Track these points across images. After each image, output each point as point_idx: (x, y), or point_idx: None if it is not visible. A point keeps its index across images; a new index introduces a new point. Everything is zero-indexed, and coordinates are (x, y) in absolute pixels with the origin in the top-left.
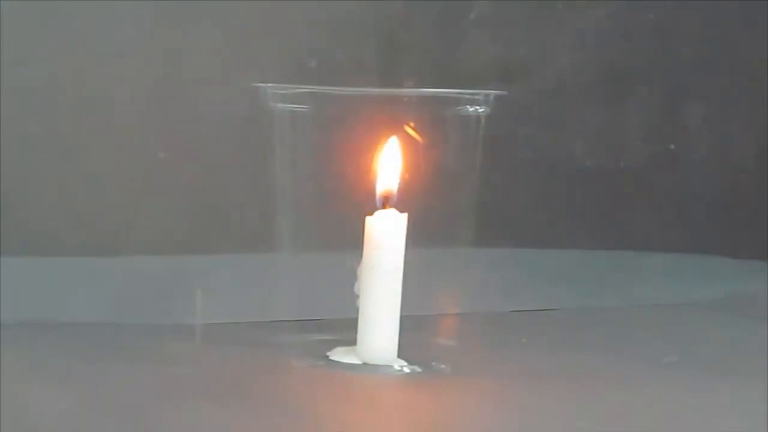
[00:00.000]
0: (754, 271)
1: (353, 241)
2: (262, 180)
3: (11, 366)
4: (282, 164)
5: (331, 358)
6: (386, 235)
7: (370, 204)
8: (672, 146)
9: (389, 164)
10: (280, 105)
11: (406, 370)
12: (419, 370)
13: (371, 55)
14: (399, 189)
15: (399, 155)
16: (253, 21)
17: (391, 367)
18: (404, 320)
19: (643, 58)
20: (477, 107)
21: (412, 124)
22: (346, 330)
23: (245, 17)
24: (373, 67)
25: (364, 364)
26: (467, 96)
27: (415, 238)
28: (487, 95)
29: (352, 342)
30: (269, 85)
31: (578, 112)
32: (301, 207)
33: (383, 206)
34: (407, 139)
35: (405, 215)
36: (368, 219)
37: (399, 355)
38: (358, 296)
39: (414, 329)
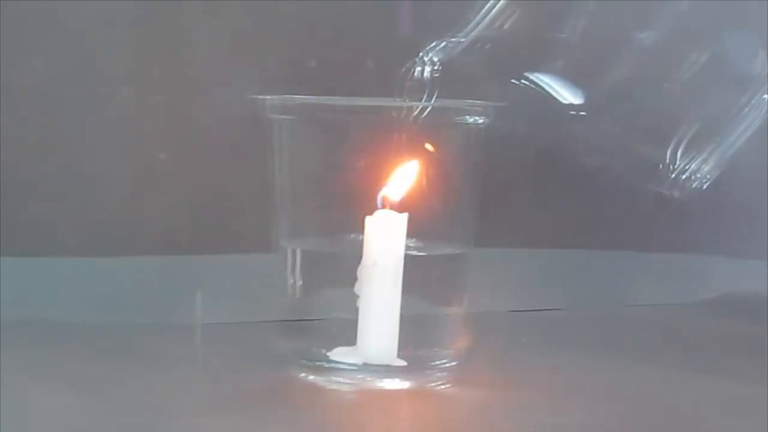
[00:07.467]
0: (754, 271)
1: (353, 241)
2: (263, 180)
3: (11, 366)
4: (281, 167)
5: (331, 358)
6: (386, 235)
7: (370, 204)
8: None
9: (402, 181)
10: (278, 116)
11: (406, 370)
12: (419, 370)
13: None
14: (401, 194)
15: (414, 177)
16: (253, 21)
17: (391, 367)
18: (404, 320)
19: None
20: (477, 118)
21: (429, 140)
22: (346, 330)
23: (246, 17)
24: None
25: (364, 364)
26: (467, 107)
27: (415, 238)
28: (486, 106)
29: (352, 342)
30: (268, 97)
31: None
32: (301, 208)
33: (383, 206)
34: (413, 149)
35: (405, 215)
36: (368, 219)
37: (399, 355)
38: (358, 296)
39: (414, 329)
